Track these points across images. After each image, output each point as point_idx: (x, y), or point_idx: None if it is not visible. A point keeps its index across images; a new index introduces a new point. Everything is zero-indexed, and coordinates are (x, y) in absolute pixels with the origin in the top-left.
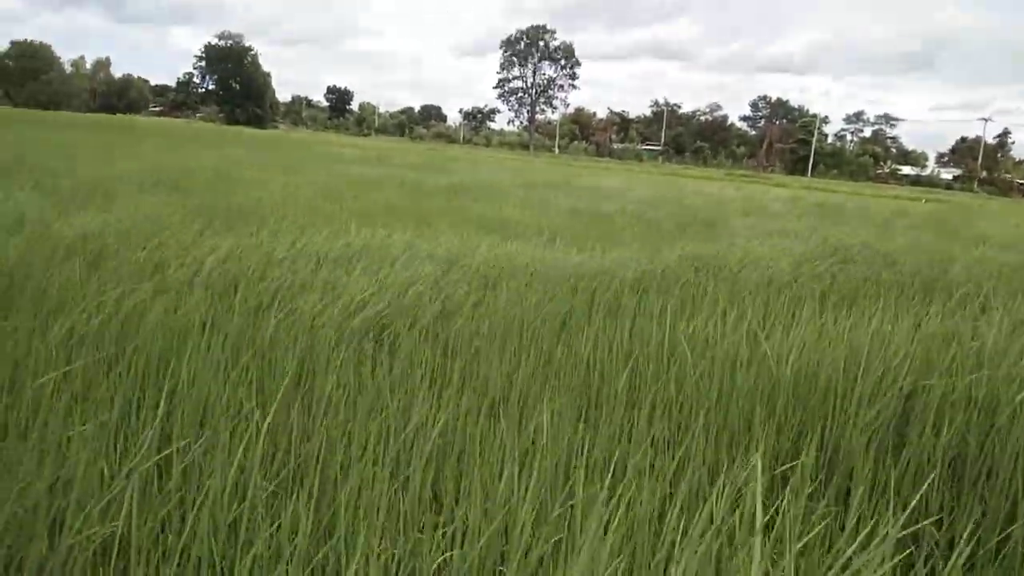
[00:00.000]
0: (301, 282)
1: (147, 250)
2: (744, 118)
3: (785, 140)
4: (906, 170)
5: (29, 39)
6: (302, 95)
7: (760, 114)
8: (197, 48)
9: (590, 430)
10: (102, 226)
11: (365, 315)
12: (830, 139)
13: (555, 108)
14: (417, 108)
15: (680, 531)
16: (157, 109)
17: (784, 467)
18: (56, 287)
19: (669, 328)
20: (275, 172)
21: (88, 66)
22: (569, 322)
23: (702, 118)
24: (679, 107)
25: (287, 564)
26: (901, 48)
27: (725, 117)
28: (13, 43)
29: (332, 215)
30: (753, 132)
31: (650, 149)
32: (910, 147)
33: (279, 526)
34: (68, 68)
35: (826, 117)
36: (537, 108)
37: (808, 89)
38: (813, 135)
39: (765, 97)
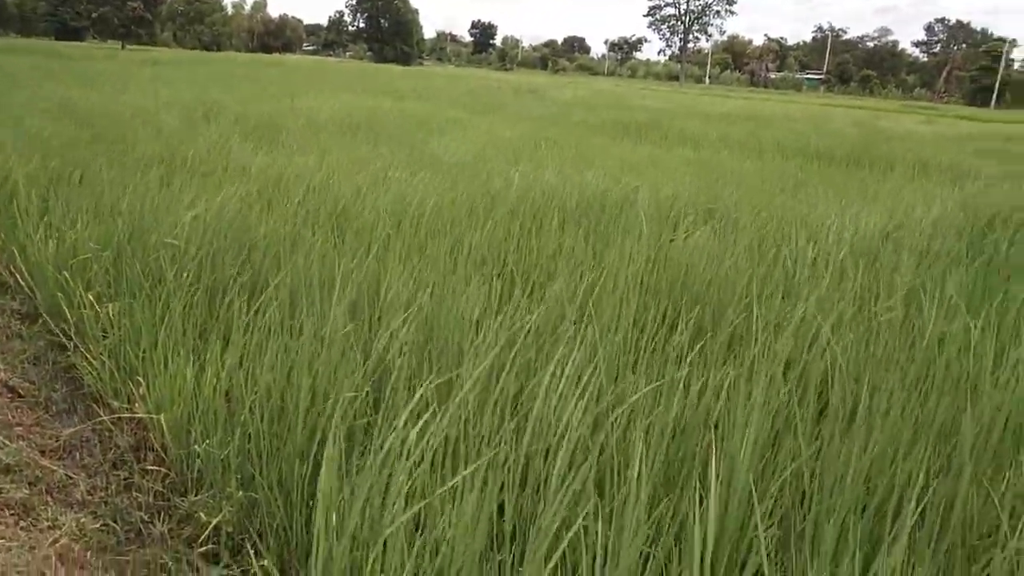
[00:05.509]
0: None
1: None
2: (917, 43)
3: (966, 68)
4: None
5: None
6: (446, 31)
7: (936, 38)
8: None
9: None
10: None
11: None
12: (1017, 66)
13: (710, 36)
14: (560, 40)
15: None
16: (310, 48)
17: None
18: None
19: None
20: None
21: (247, 7)
22: None
23: (869, 44)
24: (844, 32)
25: None
26: None
27: (895, 43)
28: None
29: None
30: (925, 59)
31: (810, 78)
32: None
33: None
34: (230, 10)
35: (1014, 40)
36: (690, 36)
37: (997, 10)
38: (1000, 62)
39: (943, 20)
